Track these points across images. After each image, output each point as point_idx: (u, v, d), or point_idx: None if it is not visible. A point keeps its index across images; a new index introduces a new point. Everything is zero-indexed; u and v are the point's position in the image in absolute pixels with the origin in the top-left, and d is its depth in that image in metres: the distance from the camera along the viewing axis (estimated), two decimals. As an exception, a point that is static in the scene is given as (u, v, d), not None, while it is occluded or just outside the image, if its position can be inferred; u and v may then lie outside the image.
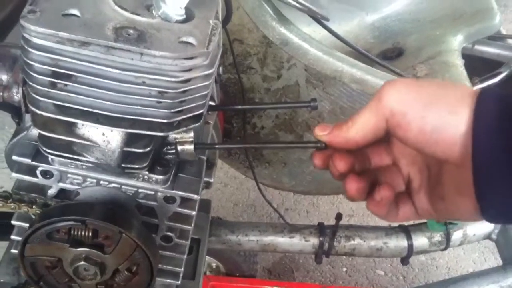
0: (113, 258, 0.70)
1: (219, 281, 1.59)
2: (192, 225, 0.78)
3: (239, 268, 1.69)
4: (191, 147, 0.66)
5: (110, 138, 0.63)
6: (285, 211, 2.23)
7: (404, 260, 1.42)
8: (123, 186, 0.72)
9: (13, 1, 1.05)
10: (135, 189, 0.72)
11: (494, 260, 2.13)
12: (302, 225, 1.40)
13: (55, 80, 0.57)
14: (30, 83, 0.58)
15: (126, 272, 0.72)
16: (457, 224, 1.38)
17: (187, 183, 0.73)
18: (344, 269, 2.09)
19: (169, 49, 0.55)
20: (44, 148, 0.65)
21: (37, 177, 0.70)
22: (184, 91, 0.60)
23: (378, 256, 1.43)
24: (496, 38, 1.48)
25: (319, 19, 1.04)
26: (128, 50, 0.55)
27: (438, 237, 1.39)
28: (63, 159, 0.67)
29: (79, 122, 0.61)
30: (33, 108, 0.60)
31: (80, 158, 0.66)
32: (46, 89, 0.58)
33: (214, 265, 1.69)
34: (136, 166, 0.67)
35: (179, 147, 0.66)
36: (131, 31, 0.56)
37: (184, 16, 0.60)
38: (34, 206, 0.73)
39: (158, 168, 0.70)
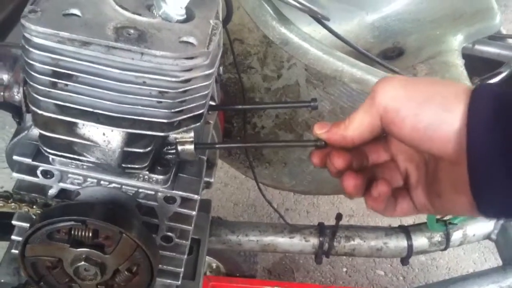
0: (114, 258, 0.70)
1: (219, 281, 1.59)
2: (192, 225, 0.78)
3: (239, 268, 1.69)
4: (191, 147, 0.66)
5: (111, 138, 0.63)
6: (285, 211, 2.23)
7: (404, 260, 1.42)
8: (123, 186, 0.72)
9: (14, 1, 1.05)
10: (136, 189, 0.72)
11: (494, 260, 2.13)
12: (302, 225, 1.40)
13: (56, 80, 0.57)
14: (31, 83, 0.58)
15: (126, 272, 0.72)
16: (457, 224, 1.38)
17: (187, 183, 0.73)
18: (344, 269, 2.09)
19: (170, 49, 0.55)
20: (44, 148, 0.65)
21: (37, 177, 0.70)
22: (185, 91, 0.60)
23: (378, 256, 1.43)
24: (496, 38, 1.48)
25: (319, 19, 1.04)
26: (128, 50, 0.55)
27: (438, 237, 1.39)
28: (63, 159, 0.67)
29: (80, 122, 0.61)
30: (33, 108, 0.60)
31: (80, 158, 0.66)
32: (47, 89, 0.58)
33: (214, 265, 1.69)
34: (137, 166, 0.67)
35: (180, 147, 0.66)
36: (132, 31, 0.56)
37: (185, 16, 0.60)
38: (34, 206, 0.73)
39: (159, 168, 0.70)
